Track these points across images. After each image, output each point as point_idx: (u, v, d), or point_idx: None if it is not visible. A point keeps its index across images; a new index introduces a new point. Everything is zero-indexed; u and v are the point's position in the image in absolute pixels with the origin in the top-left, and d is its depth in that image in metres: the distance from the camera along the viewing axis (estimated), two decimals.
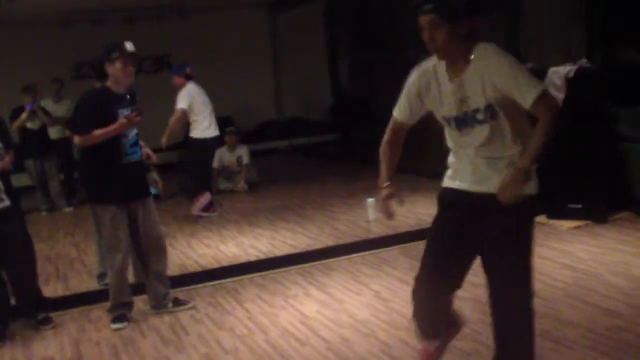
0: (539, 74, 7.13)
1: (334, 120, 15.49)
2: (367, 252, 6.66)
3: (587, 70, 6.94)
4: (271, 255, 6.90)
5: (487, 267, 3.32)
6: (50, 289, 6.47)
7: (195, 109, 8.93)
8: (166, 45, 14.02)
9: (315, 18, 15.26)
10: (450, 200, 3.37)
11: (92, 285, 6.45)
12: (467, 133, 3.23)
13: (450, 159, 3.42)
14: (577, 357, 4.04)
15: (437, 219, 3.44)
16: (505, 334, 3.34)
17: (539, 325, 4.33)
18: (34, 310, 5.56)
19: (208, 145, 9.17)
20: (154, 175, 10.38)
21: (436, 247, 3.39)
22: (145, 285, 5.65)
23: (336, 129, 15.26)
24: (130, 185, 5.38)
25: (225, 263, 6.81)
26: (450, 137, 3.36)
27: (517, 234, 3.23)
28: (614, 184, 6.94)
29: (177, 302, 5.67)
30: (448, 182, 3.41)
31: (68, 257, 7.78)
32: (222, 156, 10.92)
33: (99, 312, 5.76)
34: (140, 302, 5.73)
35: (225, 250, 7.35)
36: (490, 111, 3.12)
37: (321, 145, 14.98)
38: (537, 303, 4.77)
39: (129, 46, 5.24)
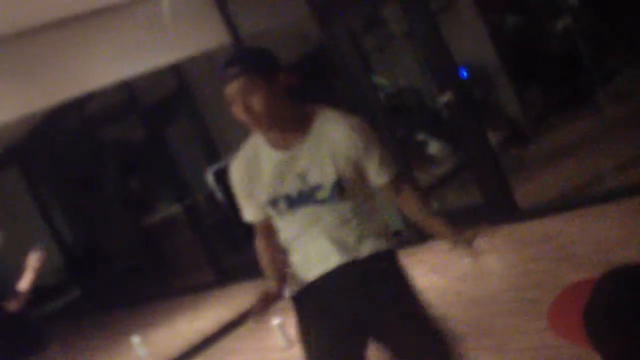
0: None
1: (69, 277, 14.93)
2: None
3: None
4: None
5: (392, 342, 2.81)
6: None
7: None
8: None
9: (18, 182, 14.72)
10: (314, 297, 2.75)
11: None
12: (298, 212, 2.68)
13: (291, 257, 2.81)
14: None
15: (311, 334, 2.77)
16: None
17: None
18: None
19: None
20: None
21: None
22: None
23: (72, 285, 14.67)
24: None
25: None
26: (282, 228, 2.78)
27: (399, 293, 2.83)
28: None
29: None
30: (301, 277, 2.77)
31: None
32: None
33: None
34: None
35: None
36: (338, 188, 2.62)
37: (61, 309, 14.24)
38: None
39: None
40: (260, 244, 2.86)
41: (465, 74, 7.97)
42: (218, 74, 2.61)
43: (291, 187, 2.65)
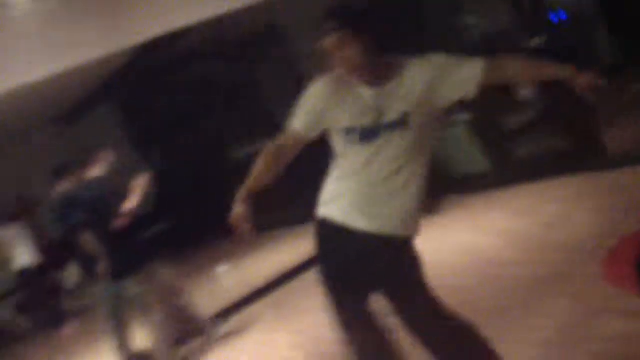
0: None
1: (162, 208, 15.29)
2: (234, 319, 6.75)
3: None
4: None
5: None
6: None
7: None
8: None
9: (114, 120, 15.06)
10: (335, 242, 2.98)
11: None
12: (365, 147, 2.88)
13: (333, 185, 3.00)
14: None
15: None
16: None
17: None
18: None
19: None
20: None
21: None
22: None
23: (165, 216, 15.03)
24: None
25: None
26: (343, 156, 2.95)
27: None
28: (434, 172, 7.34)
29: None
30: (330, 209, 2.96)
31: None
32: None
33: None
34: None
35: None
36: (405, 119, 2.84)
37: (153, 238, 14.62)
38: None
39: None
40: (267, 157, 3.00)
41: (559, 17, 7.79)
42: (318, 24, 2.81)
43: (369, 120, 2.85)
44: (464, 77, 2.82)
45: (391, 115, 2.83)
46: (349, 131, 2.88)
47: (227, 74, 11.09)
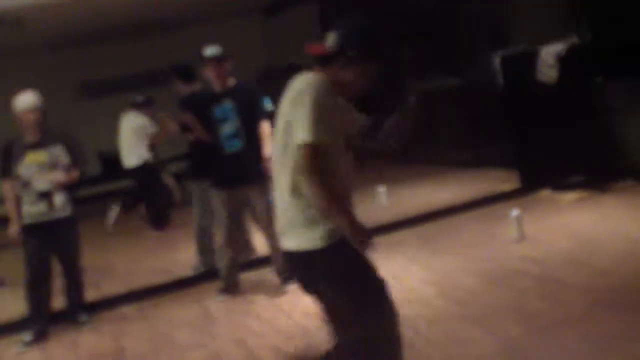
0: (530, 54, 7.51)
1: None
2: (380, 236, 6.97)
3: (577, 48, 7.29)
4: None
5: None
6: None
7: None
8: (161, 60, 14.14)
9: (311, 20, 15.32)
10: None
11: (124, 288, 6.83)
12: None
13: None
14: (578, 313, 4.35)
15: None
16: None
17: (543, 288, 4.70)
18: (77, 313, 5.95)
19: None
20: (170, 181, 10.65)
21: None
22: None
23: None
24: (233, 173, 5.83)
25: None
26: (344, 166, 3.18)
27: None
28: (612, 155, 7.19)
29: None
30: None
31: (96, 265, 8.12)
32: None
33: (134, 311, 6.16)
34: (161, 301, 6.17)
35: None
36: None
37: None
38: (540, 269, 5.15)
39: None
40: (325, 171, 2.99)
41: None
42: None
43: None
44: None
45: None
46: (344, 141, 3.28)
47: (428, 7, 10.95)
